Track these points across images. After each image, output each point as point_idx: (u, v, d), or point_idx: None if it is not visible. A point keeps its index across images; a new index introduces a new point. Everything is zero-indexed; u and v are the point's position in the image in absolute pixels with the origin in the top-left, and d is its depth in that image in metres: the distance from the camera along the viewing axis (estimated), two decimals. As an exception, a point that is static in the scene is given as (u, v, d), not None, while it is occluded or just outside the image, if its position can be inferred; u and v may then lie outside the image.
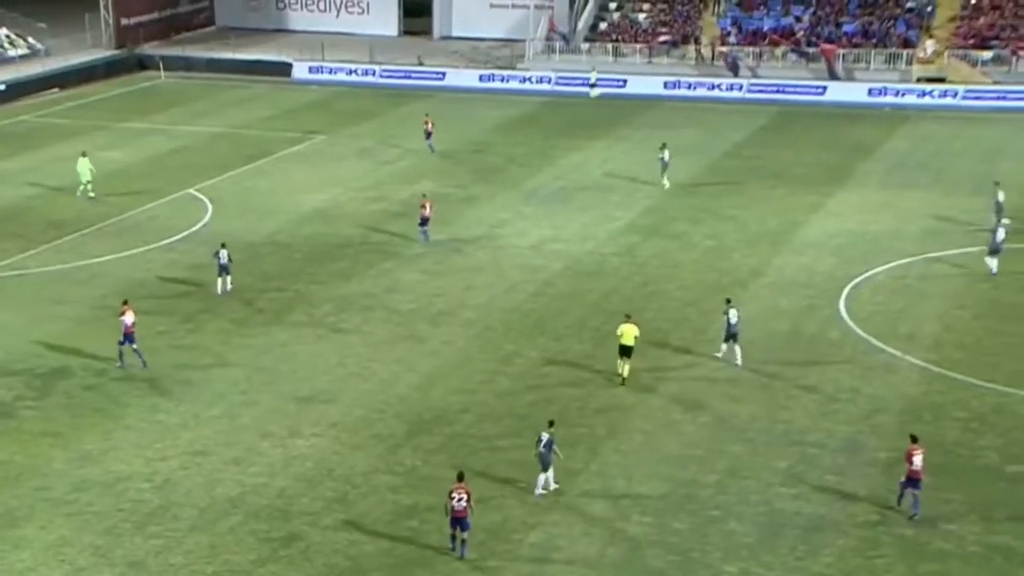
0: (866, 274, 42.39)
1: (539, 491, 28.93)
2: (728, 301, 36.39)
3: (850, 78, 72.33)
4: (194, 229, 49.18)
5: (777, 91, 72.08)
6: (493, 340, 38.04)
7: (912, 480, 27.27)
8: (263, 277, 43.91)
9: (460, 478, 26.65)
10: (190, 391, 34.56)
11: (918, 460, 27.23)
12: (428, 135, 60.74)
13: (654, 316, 39.36)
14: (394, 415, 33.21)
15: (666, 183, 53.53)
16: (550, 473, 28.97)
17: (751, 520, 27.55)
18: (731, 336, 35.49)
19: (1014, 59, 70.24)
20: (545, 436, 28.89)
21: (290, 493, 29.23)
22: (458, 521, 26.27)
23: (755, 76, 73.62)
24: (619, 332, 34.71)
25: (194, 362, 36.50)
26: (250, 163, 59.54)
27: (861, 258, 43.78)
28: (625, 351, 34.49)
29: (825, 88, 71.46)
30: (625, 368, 34.62)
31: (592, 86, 73.54)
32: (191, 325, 39.37)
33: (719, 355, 35.84)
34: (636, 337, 34.44)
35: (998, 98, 68.27)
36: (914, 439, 27.76)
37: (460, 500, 26.15)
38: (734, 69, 73.89)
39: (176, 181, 55.90)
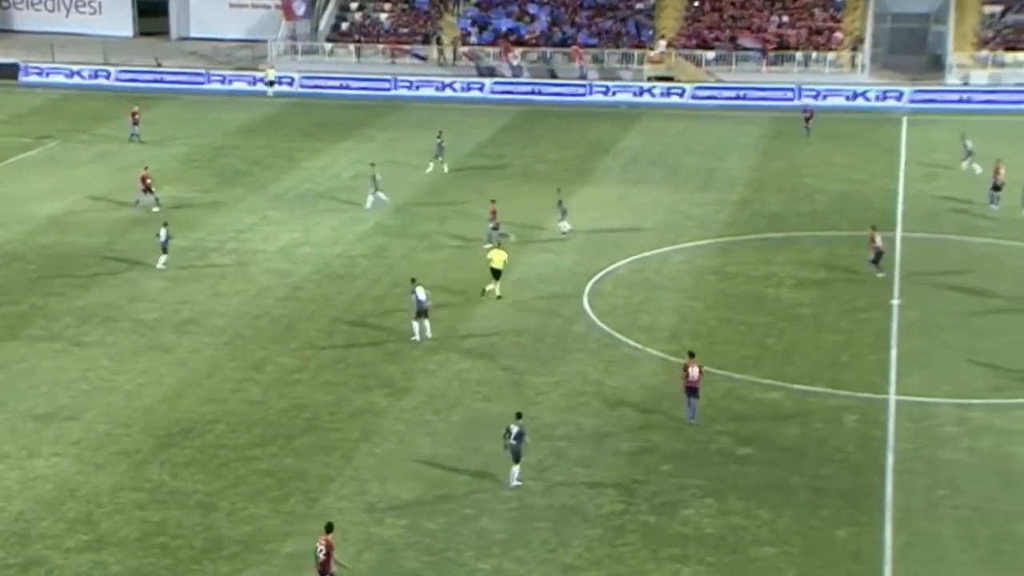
0: (607, 269, 43.66)
1: (514, 483, 28.69)
2: (413, 280, 37.99)
3: (606, 76, 74.20)
4: (-84, 242, 46.23)
5: (531, 92, 72.97)
6: (243, 347, 37.29)
7: (690, 390, 31.56)
8: (-5, 290, 41.68)
9: (328, 529, 24.82)
10: (-83, 415, 32.49)
11: (694, 372, 31.54)
12: (135, 124, 60.65)
13: (405, 317, 39.37)
14: (140, 429, 32.11)
15: (445, 168, 55.55)
16: (517, 467, 28.72)
17: (503, 516, 27.98)
18: (421, 313, 37.10)
19: (734, 58, 73.80)
20: (515, 428, 28.68)
21: (29, 517, 27.87)
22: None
23: (514, 76, 74.63)
24: (489, 257, 40.76)
25: (-79, 384, 34.34)
26: (-23, 170, 56.35)
27: (602, 253, 45.06)
28: (495, 273, 40.32)
29: (573, 87, 72.88)
30: (496, 288, 40.13)
31: (271, 84, 72.90)
32: (-84, 344, 37.02)
33: (415, 338, 36.99)
34: (504, 261, 40.43)
35: (722, 96, 71.39)
36: (691, 354, 32.11)
37: (321, 551, 24.56)
38: (484, 70, 74.94)
39: None
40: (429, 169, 55.84)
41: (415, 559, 26.39)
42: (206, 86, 74.89)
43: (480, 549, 26.70)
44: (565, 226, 47.01)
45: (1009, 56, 72.39)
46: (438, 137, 56.69)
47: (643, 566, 26.02)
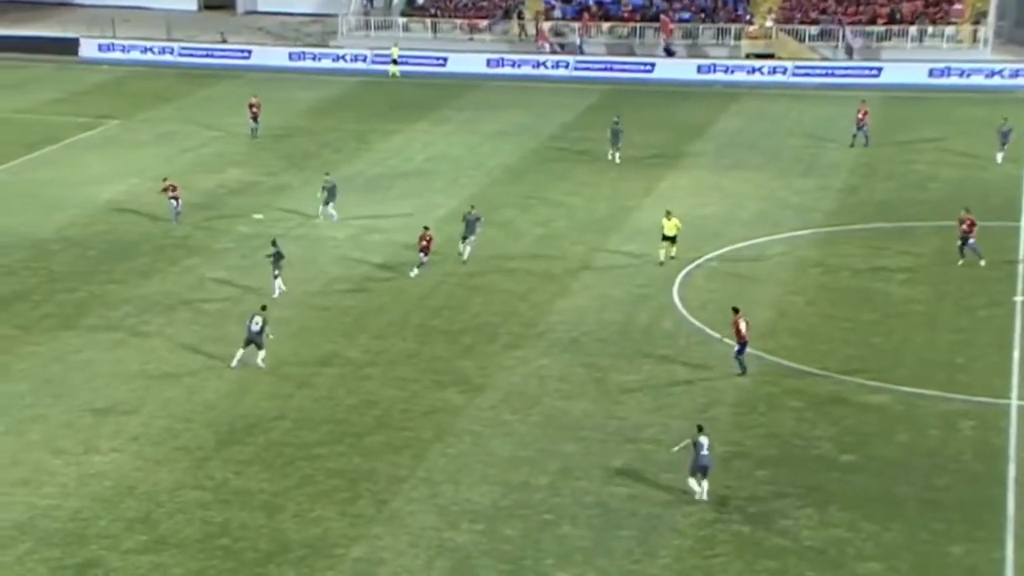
0: (699, 261, 43.45)
1: (703, 496, 28.55)
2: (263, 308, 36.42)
3: (696, 54, 73.92)
4: (-29, 226, 47.37)
5: (605, 68, 73.30)
6: (309, 340, 37.69)
7: (743, 344, 34.41)
8: (51, 277, 42.59)
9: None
10: (-29, 407, 33.33)
11: (743, 325, 34.30)
12: (254, 118, 59.37)
13: (481, 310, 39.59)
14: (202, 425, 32.61)
15: (617, 158, 54.56)
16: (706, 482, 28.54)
17: (585, 523, 27.99)
18: (250, 342, 35.56)
19: (841, 34, 72.91)
20: (704, 440, 28.50)
21: (86, 515, 28.43)
22: None
23: (582, 53, 74.71)
24: (661, 224, 43.06)
25: (-25, 374, 35.22)
26: (33, 151, 57.64)
27: (693, 244, 44.81)
28: (669, 239, 42.71)
29: (653, 65, 72.95)
30: (663, 252, 42.67)
31: (394, 62, 73.34)
32: (-29, 333, 37.96)
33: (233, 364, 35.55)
34: (678, 227, 42.64)
35: (826, 74, 70.74)
36: (736, 310, 34.83)
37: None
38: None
39: (-53, 173, 53.83)
40: (613, 158, 54.85)
41: (491, 567, 26.49)
42: (273, 63, 75.82)
43: (560, 557, 26.73)
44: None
45: None
46: (615, 123, 55.40)
47: (736, 580, 25.93)
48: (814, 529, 27.57)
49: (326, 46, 78.33)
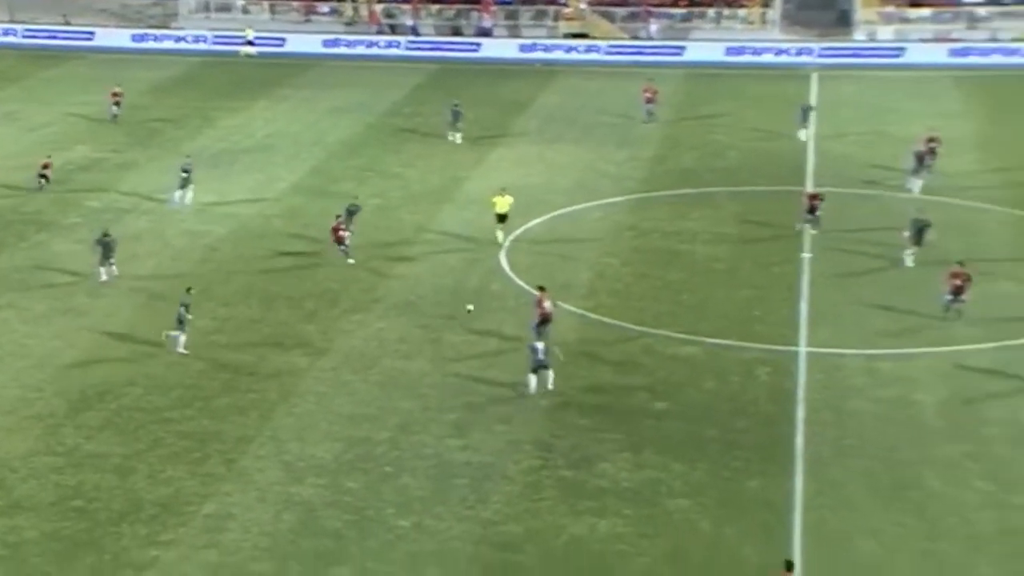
0: (524, 227, 43.57)
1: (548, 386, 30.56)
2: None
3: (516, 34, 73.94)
4: None
5: (434, 48, 72.84)
6: (159, 309, 36.59)
7: (543, 319, 33.09)
8: (-100, 255, 40.51)
9: (789, 568, 22.62)
10: None
11: (548, 304, 33.40)
12: (117, 104, 56.67)
13: (322, 277, 39.07)
14: (54, 393, 31.50)
15: (459, 138, 53.56)
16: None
17: (423, 474, 27.93)
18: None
19: (646, 16, 73.99)
20: (539, 345, 31.09)
21: (-59, 485, 27.25)
22: None
23: (415, 34, 74.10)
24: (493, 202, 41.45)
25: None
26: None
27: (519, 211, 44.68)
28: (501, 218, 41.15)
29: (479, 45, 72.81)
30: (500, 233, 40.96)
31: (249, 43, 71.64)
32: None
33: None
34: (510, 205, 41.17)
35: (636, 53, 71.57)
36: (542, 288, 34.05)
37: None
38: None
39: None
40: (456, 139, 53.64)
41: (336, 518, 26.25)
42: (116, 44, 73.19)
43: (400, 507, 26.64)
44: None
45: (913, 12, 73.36)
46: (455, 105, 54.34)
47: (560, 520, 26.16)
48: (630, 471, 28.03)
49: (167, 27, 75.96)
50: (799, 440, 29.31)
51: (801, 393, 31.61)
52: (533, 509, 26.61)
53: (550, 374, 31.39)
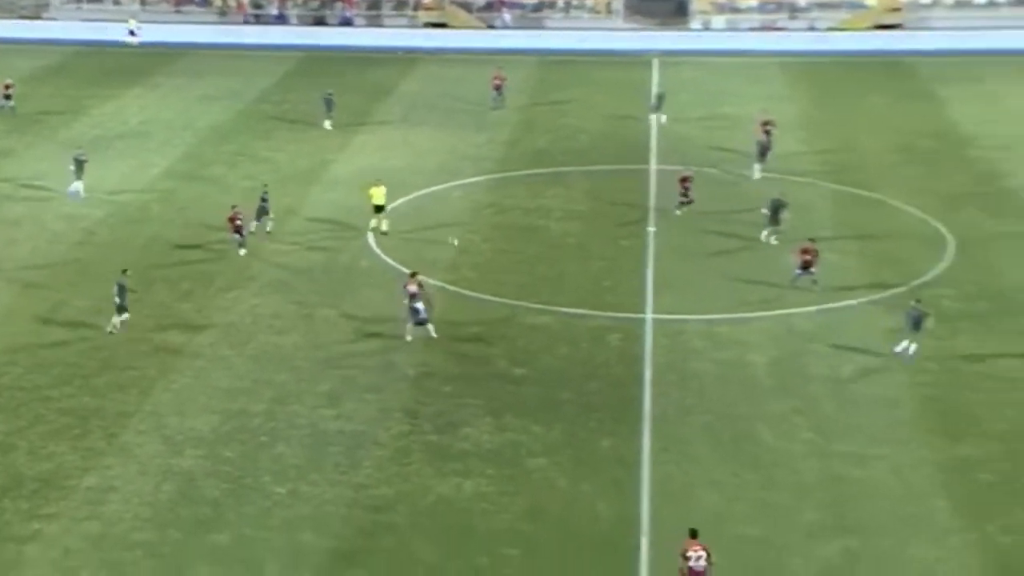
0: (391, 207, 43.32)
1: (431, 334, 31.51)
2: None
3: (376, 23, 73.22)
4: None
5: (301, 37, 71.72)
6: (39, 292, 35.64)
7: (414, 309, 32.58)
8: None
9: (694, 535, 22.24)
10: None
11: (413, 287, 32.94)
12: (7, 97, 54.38)
13: (200, 258, 38.40)
14: (-66, 376, 30.41)
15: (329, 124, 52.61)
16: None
17: (298, 442, 27.80)
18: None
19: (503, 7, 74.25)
20: (419, 305, 31.98)
21: None
22: None
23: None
24: (369, 194, 39.97)
25: None
26: None
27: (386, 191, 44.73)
28: (377, 209, 39.83)
29: (344, 34, 71.98)
30: (383, 223, 39.76)
31: (131, 33, 69.55)
32: None
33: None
34: (385, 195, 39.85)
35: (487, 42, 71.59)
36: (413, 274, 33.77)
37: (699, 559, 21.78)
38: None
39: None
40: (327, 126, 52.59)
41: (215, 487, 25.98)
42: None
43: (276, 474, 26.48)
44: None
45: (743, 3, 75.10)
46: (328, 93, 53.27)
47: (428, 482, 26.34)
48: (492, 434, 28.33)
49: (39, 18, 73.21)
50: (647, 401, 29.96)
51: (648, 357, 32.27)
52: (403, 472, 26.73)
53: (431, 327, 32.24)
